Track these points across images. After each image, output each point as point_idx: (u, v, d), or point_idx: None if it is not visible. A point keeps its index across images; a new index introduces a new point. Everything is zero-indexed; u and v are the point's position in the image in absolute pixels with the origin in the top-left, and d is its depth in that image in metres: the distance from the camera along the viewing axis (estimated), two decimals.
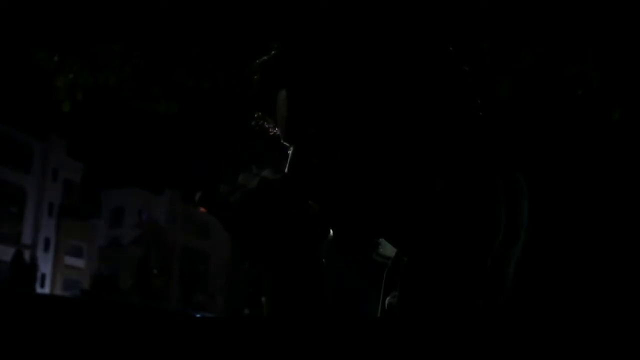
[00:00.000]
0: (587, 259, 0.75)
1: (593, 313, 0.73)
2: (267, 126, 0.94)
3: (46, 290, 41.91)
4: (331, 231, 0.88)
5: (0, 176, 40.31)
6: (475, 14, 3.88)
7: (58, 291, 42.35)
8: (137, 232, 50.35)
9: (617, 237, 0.77)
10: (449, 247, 0.75)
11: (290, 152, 0.89)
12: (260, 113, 0.94)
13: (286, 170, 0.88)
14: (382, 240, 0.91)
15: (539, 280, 0.74)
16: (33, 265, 33.76)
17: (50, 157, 45.29)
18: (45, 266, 42.70)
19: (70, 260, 46.22)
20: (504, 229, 0.74)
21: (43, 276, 41.77)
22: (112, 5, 4.63)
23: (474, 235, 0.74)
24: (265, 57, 0.90)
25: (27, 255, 35.84)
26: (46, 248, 44.85)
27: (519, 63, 4.07)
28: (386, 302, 0.93)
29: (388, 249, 0.94)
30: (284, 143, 0.90)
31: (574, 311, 0.73)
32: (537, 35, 3.97)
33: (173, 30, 4.67)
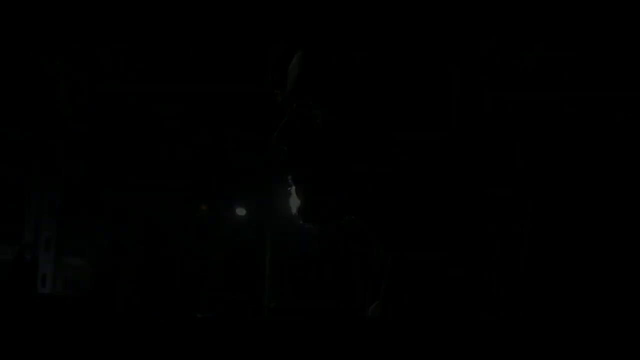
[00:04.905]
0: (590, 262, 0.74)
1: (597, 318, 0.72)
2: (276, 92, 0.95)
3: (47, 289, 41.83)
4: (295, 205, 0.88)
5: (0, 175, 40.24)
6: (475, 14, 3.88)
7: (59, 291, 42.26)
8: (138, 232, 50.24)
9: (621, 240, 0.76)
10: (439, 253, 0.74)
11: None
12: (271, 78, 0.95)
13: (278, 130, 0.88)
14: None
15: (542, 285, 0.72)
16: (34, 264, 33.73)
17: (50, 156, 45.17)
18: (46, 266, 42.63)
19: (71, 260, 46.15)
20: (501, 236, 0.73)
21: (44, 276, 41.72)
22: (112, 7, 4.64)
23: (466, 242, 0.73)
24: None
25: (27, 254, 35.77)
26: (47, 247, 44.76)
27: (519, 63, 4.07)
28: (370, 310, 0.92)
29: None
30: (287, 102, 0.91)
31: (577, 316, 0.72)
32: (537, 35, 3.97)
33: (174, 32, 4.67)
